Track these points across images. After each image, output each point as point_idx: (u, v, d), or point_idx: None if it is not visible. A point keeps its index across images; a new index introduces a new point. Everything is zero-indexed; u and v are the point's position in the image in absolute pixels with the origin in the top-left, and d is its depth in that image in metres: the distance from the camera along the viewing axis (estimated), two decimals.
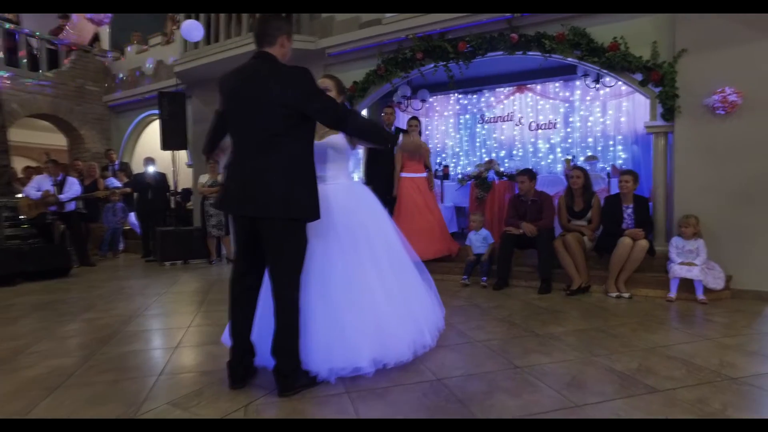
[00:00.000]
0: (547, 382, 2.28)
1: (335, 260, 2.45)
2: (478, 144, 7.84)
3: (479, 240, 4.96)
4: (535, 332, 3.13)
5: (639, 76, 4.36)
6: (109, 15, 7.16)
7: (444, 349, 2.83)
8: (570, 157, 6.59)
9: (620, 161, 6.66)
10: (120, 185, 7.72)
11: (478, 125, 7.78)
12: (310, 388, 2.25)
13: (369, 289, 2.47)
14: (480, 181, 5.72)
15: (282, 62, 2.28)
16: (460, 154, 8.02)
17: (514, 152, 7.50)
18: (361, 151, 5.89)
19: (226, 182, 2.28)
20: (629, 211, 4.34)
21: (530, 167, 6.71)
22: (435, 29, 5.24)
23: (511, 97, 7.50)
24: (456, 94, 7.89)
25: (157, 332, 3.41)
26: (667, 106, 4.24)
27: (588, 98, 6.88)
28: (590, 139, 6.92)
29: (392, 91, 6.97)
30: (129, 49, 8.30)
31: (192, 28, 5.23)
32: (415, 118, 5.44)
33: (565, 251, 4.40)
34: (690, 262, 3.96)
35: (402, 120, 6.94)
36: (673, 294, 3.99)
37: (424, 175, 5.37)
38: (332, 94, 2.63)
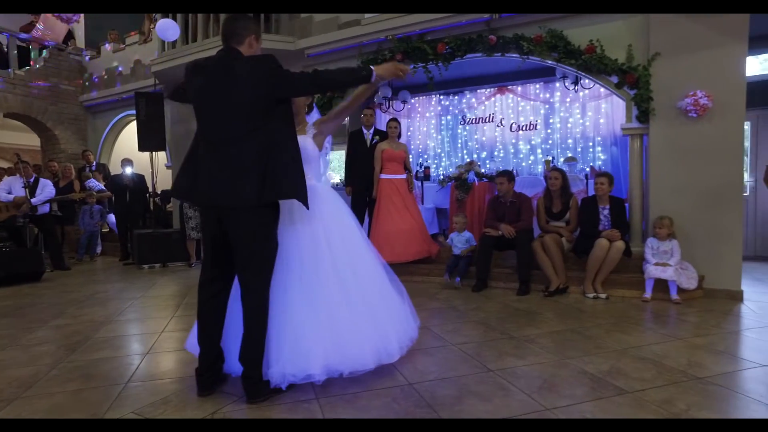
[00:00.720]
0: (519, 385, 2.28)
1: (294, 266, 2.38)
2: (459, 145, 7.86)
3: (462, 241, 4.97)
4: (511, 335, 3.13)
5: (615, 79, 4.41)
6: (78, 17, 6.98)
7: (418, 352, 2.81)
8: (550, 159, 6.64)
9: (599, 162, 6.74)
10: (102, 187, 7.56)
11: (460, 126, 7.80)
12: (278, 394, 2.22)
13: (328, 295, 2.38)
14: (460, 183, 5.73)
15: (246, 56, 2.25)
16: (442, 155, 8.03)
17: (496, 153, 7.53)
18: (341, 154, 5.86)
19: (192, 174, 2.21)
20: (605, 212, 4.39)
21: (510, 169, 6.76)
22: (414, 30, 5.23)
23: (492, 99, 7.53)
24: (438, 95, 7.90)
25: (129, 338, 3.33)
26: (642, 109, 4.29)
27: (568, 100, 6.94)
28: (570, 141, 6.98)
29: (374, 92, 6.95)
30: (106, 46, 8.12)
31: (167, 27, 5.13)
32: (394, 119, 5.43)
33: (543, 252, 4.42)
34: (664, 262, 4.02)
35: (383, 121, 6.91)
36: (648, 294, 4.04)
37: (404, 176, 5.36)
38: (301, 98, 2.62)
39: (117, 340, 3.26)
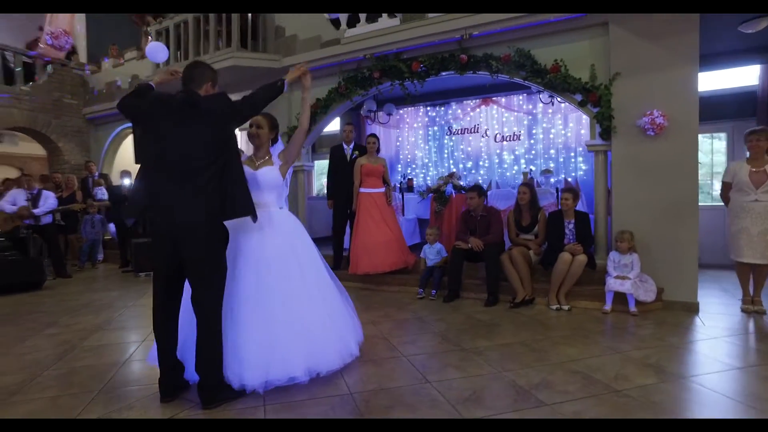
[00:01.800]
0: (449, 396, 2.48)
1: (270, 280, 2.67)
2: (446, 155, 8.06)
3: (433, 253, 5.17)
4: (462, 347, 3.33)
5: (579, 97, 4.58)
6: (70, 41, 7.32)
7: (369, 363, 3.03)
8: (527, 172, 6.81)
9: (581, 172, 6.89)
10: (107, 197, 7.89)
11: (446, 137, 8.00)
12: (231, 401, 2.46)
13: (299, 304, 2.70)
14: (438, 195, 5.92)
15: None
16: (429, 165, 8.23)
17: (481, 163, 7.72)
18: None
19: (150, 195, 2.45)
20: (570, 226, 4.56)
21: (495, 179, 6.95)
22: (391, 49, 5.44)
23: (477, 110, 7.72)
24: (425, 107, 8.10)
25: (112, 347, 3.58)
26: (604, 126, 4.46)
27: (550, 111, 7.10)
28: (552, 151, 7.14)
29: (360, 105, 7.20)
30: (106, 61, 8.47)
31: (157, 50, 5.41)
32: (373, 135, 5.64)
33: (510, 265, 4.60)
34: (624, 275, 4.17)
35: (382, 132, 7.12)
36: (607, 306, 4.20)
37: (382, 190, 5.56)
38: (263, 131, 2.89)
39: (101, 349, 3.51)
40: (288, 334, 2.59)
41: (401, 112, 8.44)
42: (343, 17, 5.81)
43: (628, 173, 4.41)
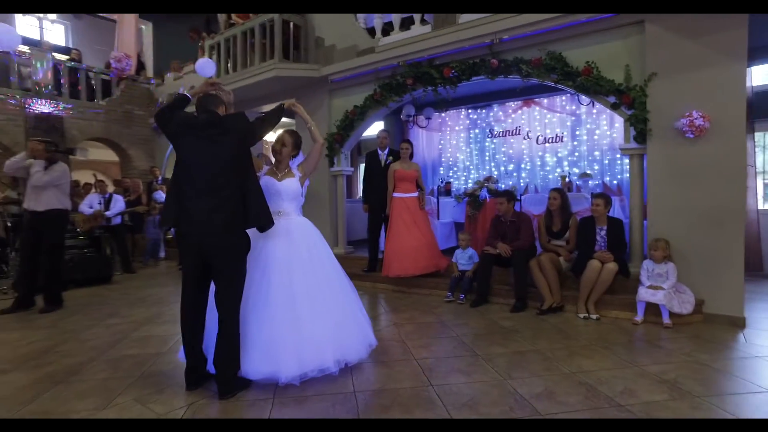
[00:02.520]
0: (447, 401, 2.55)
1: (296, 281, 2.91)
2: (487, 158, 7.98)
3: (465, 258, 5.19)
4: (476, 352, 3.36)
5: (612, 99, 4.41)
6: (131, 63, 8.07)
7: (380, 364, 3.16)
8: (565, 175, 6.59)
9: (627, 174, 6.55)
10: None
11: (488, 139, 7.92)
12: (244, 390, 2.71)
13: (323, 301, 2.96)
14: (472, 199, 5.91)
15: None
16: (471, 167, 8.18)
17: (523, 166, 7.57)
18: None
19: (181, 209, 2.73)
20: (602, 233, 4.41)
21: (537, 181, 6.81)
22: (423, 56, 5.52)
23: (519, 111, 7.57)
24: (466, 109, 8.07)
25: (156, 338, 3.97)
26: (638, 129, 4.27)
27: (594, 111, 6.83)
28: (597, 153, 6.86)
29: (399, 110, 7.33)
30: (168, 75, 9.25)
31: (205, 66, 5.87)
32: (406, 141, 5.75)
33: (539, 271, 4.54)
34: (657, 285, 3.99)
35: (422, 138, 7.24)
36: (638, 317, 4.03)
37: (415, 194, 5.65)
38: (287, 149, 3.12)
39: (147, 339, 3.91)
40: (316, 330, 2.82)
41: (443, 115, 8.47)
42: (378, 26, 5.97)
43: (664, 178, 4.20)
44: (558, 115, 7.17)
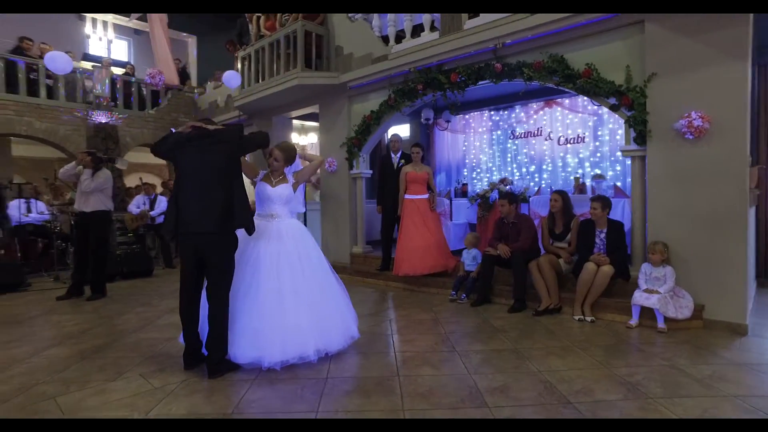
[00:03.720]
0: (406, 390, 2.74)
1: (283, 276, 3.22)
2: (509, 159, 7.96)
3: (470, 258, 5.30)
4: (455, 348, 3.51)
5: (613, 100, 4.37)
6: (163, 79, 8.78)
7: (361, 355, 3.40)
8: (578, 176, 6.47)
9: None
10: None
11: (509, 141, 7.90)
12: (232, 372, 3.05)
13: (308, 296, 3.24)
14: (483, 201, 5.98)
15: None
16: (493, 169, 8.20)
17: (544, 167, 7.49)
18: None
19: (177, 214, 3.10)
20: (602, 236, 4.38)
21: (558, 184, 6.76)
22: (432, 62, 5.66)
23: (541, 112, 7.50)
24: (488, 111, 8.10)
25: (174, 325, 4.40)
26: (638, 131, 4.21)
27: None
28: (619, 153, 6.67)
29: (419, 111, 7.52)
30: (209, 83, 9.96)
31: (231, 78, 6.34)
32: (417, 144, 5.92)
33: (538, 273, 4.58)
34: (653, 289, 3.93)
35: (445, 143, 7.38)
36: (633, 321, 3.99)
37: (426, 196, 5.82)
38: (279, 163, 3.42)
39: (166, 326, 4.37)
40: (300, 321, 3.11)
41: (467, 117, 8.53)
42: (391, 34, 6.19)
43: (664, 180, 4.12)
44: (580, 115, 7.04)
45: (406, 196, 5.84)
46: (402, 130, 9.84)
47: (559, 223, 4.76)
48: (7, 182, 7.72)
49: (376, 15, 6.49)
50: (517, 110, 7.78)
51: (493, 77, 5.17)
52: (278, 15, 7.49)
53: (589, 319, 4.19)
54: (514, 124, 7.83)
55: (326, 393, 2.72)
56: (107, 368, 3.23)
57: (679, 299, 3.91)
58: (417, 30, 6.02)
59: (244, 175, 3.27)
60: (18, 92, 8.42)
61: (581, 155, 7.09)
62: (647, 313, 3.97)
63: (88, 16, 9.13)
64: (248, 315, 3.13)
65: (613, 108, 4.39)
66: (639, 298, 3.94)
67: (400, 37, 6.16)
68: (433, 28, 5.77)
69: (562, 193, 4.76)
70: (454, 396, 2.65)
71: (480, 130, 8.36)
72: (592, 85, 4.40)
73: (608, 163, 6.77)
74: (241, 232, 3.20)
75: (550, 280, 4.51)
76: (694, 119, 3.82)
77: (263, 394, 2.74)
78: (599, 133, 6.90)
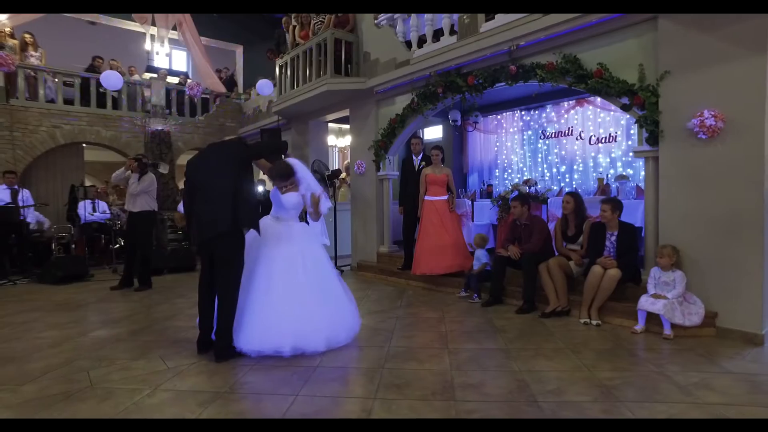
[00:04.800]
0: (384, 381, 2.91)
1: (277, 275, 3.50)
2: (539, 159, 7.83)
3: (475, 258, 5.37)
4: (447, 346, 3.62)
5: (626, 100, 4.27)
6: (201, 89, 9.44)
7: (355, 348, 3.62)
8: (602, 178, 6.26)
9: None
10: None
11: (540, 141, 7.77)
12: (235, 358, 3.36)
13: (298, 297, 3.47)
14: (503, 202, 5.98)
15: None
16: (524, 170, 8.09)
17: (575, 167, 7.31)
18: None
19: (194, 218, 3.50)
20: (612, 238, 4.30)
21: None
22: (451, 65, 5.74)
23: (572, 111, 7.32)
24: (520, 111, 8.01)
25: (195, 316, 4.80)
26: (650, 131, 4.09)
27: None
28: (632, 153, 6.39)
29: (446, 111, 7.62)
30: (253, 90, 10.59)
31: (264, 86, 6.77)
32: (437, 147, 6.03)
33: (547, 275, 4.56)
34: (661, 294, 3.82)
35: (479, 143, 7.43)
36: (639, 326, 3.89)
37: (445, 197, 5.92)
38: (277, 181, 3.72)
39: (192, 316, 4.71)
40: (282, 318, 3.36)
41: (499, 117, 8.48)
42: (414, 39, 6.33)
43: (676, 181, 3.97)
44: (612, 113, 6.79)
45: (426, 197, 5.96)
46: (435, 132, 9.95)
47: (572, 225, 4.70)
48: (79, 184, 8.70)
49: (399, 20, 6.66)
50: (548, 110, 7.64)
51: (508, 79, 5.19)
52: (311, 24, 7.87)
53: (594, 322, 4.13)
54: (545, 124, 7.70)
55: (312, 380, 2.96)
56: (135, 349, 3.68)
57: (690, 305, 3.77)
58: (438, 35, 6.12)
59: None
60: (89, 104, 9.45)
61: (613, 155, 6.85)
62: (655, 318, 3.85)
63: (148, 32, 10.04)
64: (258, 308, 3.42)
65: (625, 108, 4.29)
66: (645, 303, 3.84)
67: (422, 41, 6.30)
68: (452, 32, 5.86)
69: (574, 195, 4.70)
70: (427, 389, 2.79)
71: (511, 130, 8.28)
72: (603, 85, 4.32)
73: (641, 163, 6.46)
74: (252, 233, 3.53)
75: (559, 283, 4.48)
76: (707, 118, 3.67)
77: (257, 378, 3.03)
78: (632, 132, 6.62)
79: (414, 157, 6.35)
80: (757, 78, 3.53)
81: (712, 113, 3.66)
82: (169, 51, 10.28)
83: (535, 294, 4.67)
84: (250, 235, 3.58)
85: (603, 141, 6.95)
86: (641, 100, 4.10)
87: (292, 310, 3.35)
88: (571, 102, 7.31)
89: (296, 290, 3.45)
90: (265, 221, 3.70)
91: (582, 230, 4.62)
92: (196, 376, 3.11)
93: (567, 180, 7.35)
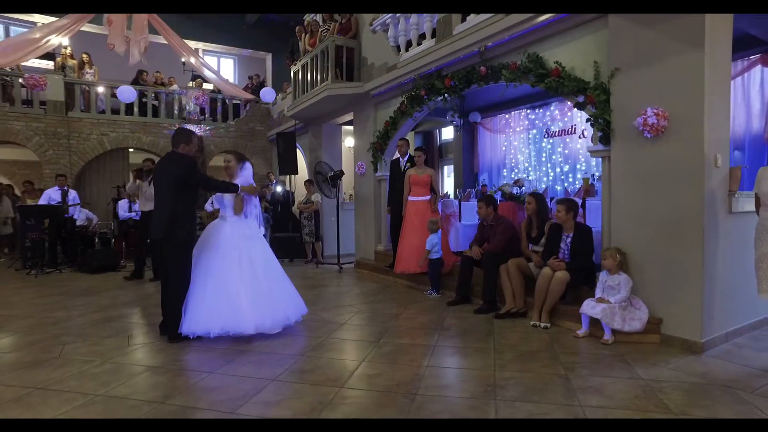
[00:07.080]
0: (295, 368, 3.16)
1: (227, 264, 3.90)
2: (543, 158, 7.64)
3: (430, 245, 5.52)
4: (385, 341, 3.77)
5: (582, 98, 4.17)
6: (207, 99, 10.11)
7: (297, 336, 3.90)
8: (588, 177, 6.00)
9: None
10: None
11: (544, 140, 7.59)
12: (184, 341, 3.76)
13: (249, 282, 3.88)
14: None
15: (179, 153, 3.90)
16: (529, 169, 7.93)
17: (578, 166, 7.07)
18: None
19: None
20: (568, 240, 4.22)
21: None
22: (431, 68, 5.84)
23: (575, 109, 7.06)
24: (525, 110, 7.86)
25: None
26: (601, 129, 3.98)
27: None
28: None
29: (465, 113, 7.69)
30: (278, 95, 11.19)
31: (266, 93, 7.23)
32: (419, 148, 6.16)
33: (506, 276, 4.56)
34: (604, 298, 3.73)
35: (492, 143, 7.44)
36: (581, 331, 3.82)
37: (427, 198, 6.02)
38: (232, 164, 4.09)
39: None
40: (212, 306, 3.73)
41: (507, 117, 8.37)
42: (402, 43, 6.48)
43: (624, 182, 3.85)
44: None
45: (409, 198, 6.10)
46: (447, 133, 9.98)
47: (535, 226, 4.66)
48: (122, 185, 9.72)
49: (391, 25, 6.82)
50: (552, 108, 7.44)
51: (480, 80, 5.20)
52: (319, 31, 8.25)
53: (543, 325, 4.09)
54: (549, 122, 7.50)
55: (234, 361, 3.29)
56: (112, 329, 4.21)
57: (635, 310, 3.65)
58: (422, 39, 6.22)
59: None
60: (133, 113, 10.51)
61: None
62: (600, 322, 3.76)
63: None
64: (195, 298, 3.81)
65: (580, 106, 4.20)
66: (586, 306, 3.77)
67: (410, 45, 6.43)
68: (434, 35, 5.94)
69: (536, 196, 4.65)
70: (325, 376, 2.99)
71: (518, 129, 8.14)
72: (559, 84, 4.26)
73: None
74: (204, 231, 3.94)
75: (517, 284, 4.47)
76: (650, 116, 3.54)
77: (191, 357, 3.45)
78: None
79: (400, 158, 6.50)
80: (696, 74, 3.36)
81: (655, 111, 3.52)
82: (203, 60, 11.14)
83: (495, 295, 4.68)
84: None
85: None
86: (592, 98, 4.01)
87: (220, 299, 3.72)
88: None
89: (227, 281, 3.81)
90: (213, 223, 4.11)
91: (544, 232, 4.56)
92: (145, 354, 3.55)
93: (570, 179, 7.12)
